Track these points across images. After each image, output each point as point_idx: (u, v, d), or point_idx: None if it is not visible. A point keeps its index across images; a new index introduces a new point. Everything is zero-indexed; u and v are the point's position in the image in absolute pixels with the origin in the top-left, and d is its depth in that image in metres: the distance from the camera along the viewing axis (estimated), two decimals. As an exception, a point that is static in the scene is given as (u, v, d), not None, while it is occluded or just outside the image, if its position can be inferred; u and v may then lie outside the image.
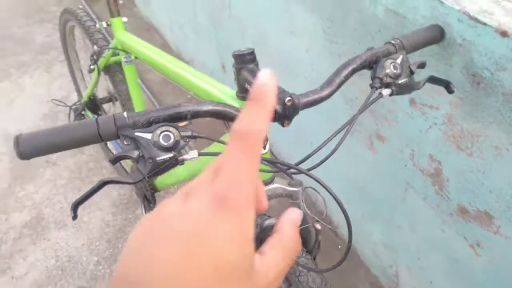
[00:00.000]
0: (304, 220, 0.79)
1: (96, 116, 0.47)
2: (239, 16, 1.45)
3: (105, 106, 1.73)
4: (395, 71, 0.66)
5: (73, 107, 1.73)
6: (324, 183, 0.58)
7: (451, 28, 0.74)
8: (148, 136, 0.54)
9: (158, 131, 0.54)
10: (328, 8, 1.04)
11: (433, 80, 0.72)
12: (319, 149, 0.62)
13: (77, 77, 1.89)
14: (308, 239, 0.80)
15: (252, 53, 0.67)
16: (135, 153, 0.54)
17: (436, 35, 0.76)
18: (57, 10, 3.09)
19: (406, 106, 0.94)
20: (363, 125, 1.12)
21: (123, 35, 1.16)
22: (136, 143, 0.54)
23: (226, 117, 0.60)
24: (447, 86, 0.73)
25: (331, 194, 0.57)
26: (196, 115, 0.59)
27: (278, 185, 0.80)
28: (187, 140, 0.56)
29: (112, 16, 1.18)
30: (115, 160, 0.54)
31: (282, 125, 0.63)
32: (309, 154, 0.63)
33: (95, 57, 1.34)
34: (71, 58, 1.82)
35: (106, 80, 1.63)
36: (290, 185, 0.80)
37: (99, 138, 0.54)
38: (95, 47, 1.33)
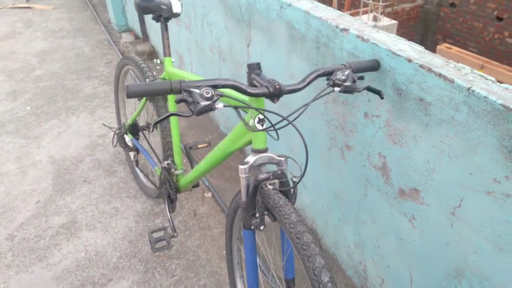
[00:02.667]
0: (285, 176, 1.17)
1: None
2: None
3: (141, 134, 2.19)
4: (343, 77, 1.10)
5: (117, 131, 2.19)
6: (298, 128, 0.99)
7: (383, 61, 1.20)
8: (197, 91, 0.97)
9: (203, 89, 0.97)
10: (314, 57, 1.52)
11: (369, 89, 1.15)
12: (297, 110, 1.04)
13: (120, 111, 2.38)
14: (288, 191, 1.17)
15: (258, 64, 1.13)
16: (190, 99, 0.96)
17: (375, 65, 1.21)
18: (104, 70, 3.72)
19: (362, 118, 1.37)
20: (336, 139, 1.54)
21: (171, 69, 1.65)
22: (191, 94, 0.97)
23: (240, 89, 1.03)
24: (379, 94, 1.16)
25: (300, 134, 0.98)
26: (224, 86, 1.02)
27: (270, 154, 1.20)
28: (218, 96, 0.98)
29: (165, 55, 1.68)
30: (180, 101, 0.97)
31: (273, 101, 1.06)
32: (289, 114, 1.04)
33: (145, 87, 1.82)
34: (119, 95, 2.33)
35: (147, 112, 2.10)
36: (278, 156, 1.20)
37: (170, 91, 0.97)
38: (147, 80, 1.82)
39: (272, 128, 1.08)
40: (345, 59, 1.36)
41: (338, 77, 1.10)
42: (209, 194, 2.30)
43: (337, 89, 1.10)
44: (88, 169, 2.52)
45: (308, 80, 1.10)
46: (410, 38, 6.35)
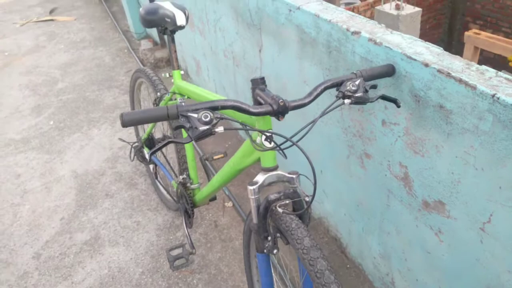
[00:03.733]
0: (298, 196, 1.10)
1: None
2: (267, 74, 1.89)
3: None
4: (353, 88, 1.02)
5: (134, 145, 2.18)
6: (303, 150, 0.92)
7: (398, 65, 1.11)
8: (195, 115, 0.91)
9: (201, 113, 0.92)
10: (326, 62, 1.44)
11: (384, 97, 1.07)
12: (303, 129, 0.97)
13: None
14: (301, 210, 1.10)
15: (262, 78, 1.06)
16: (188, 125, 0.91)
17: (389, 70, 1.12)
18: (124, 79, 3.74)
19: (380, 126, 1.28)
20: (354, 147, 1.45)
21: (180, 82, 1.61)
22: (188, 119, 0.91)
23: (242, 110, 0.97)
24: (395, 102, 1.07)
25: (306, 157, 0.91)
26: (224, 107, 0.96)
27: (281, 172, 1.13)
28: (218, 119, 0.93)
29: (174, 69, 1.64)
30: (177, 127, 0.91)
31: (278, 119, 0.99)
32: (296, 132, 0.97)
33: (157, 101, 1.79)
34: (135, 107, 2.31)
35: (163, 124, 2.08)
36: (289, 173, 1.13)
37: (167, 116, 0.92)
38: (158, 93, 1.78)
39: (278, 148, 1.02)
40: (358, 64, 1.27)
41: (347, 88, 1.02)
42: (230, 204, 2.25)
43: (347, 101, 1.02)
44: (109, 183, 2.53)
45: (315, 93, 1.02)
46: (437, 22, 6.10)
